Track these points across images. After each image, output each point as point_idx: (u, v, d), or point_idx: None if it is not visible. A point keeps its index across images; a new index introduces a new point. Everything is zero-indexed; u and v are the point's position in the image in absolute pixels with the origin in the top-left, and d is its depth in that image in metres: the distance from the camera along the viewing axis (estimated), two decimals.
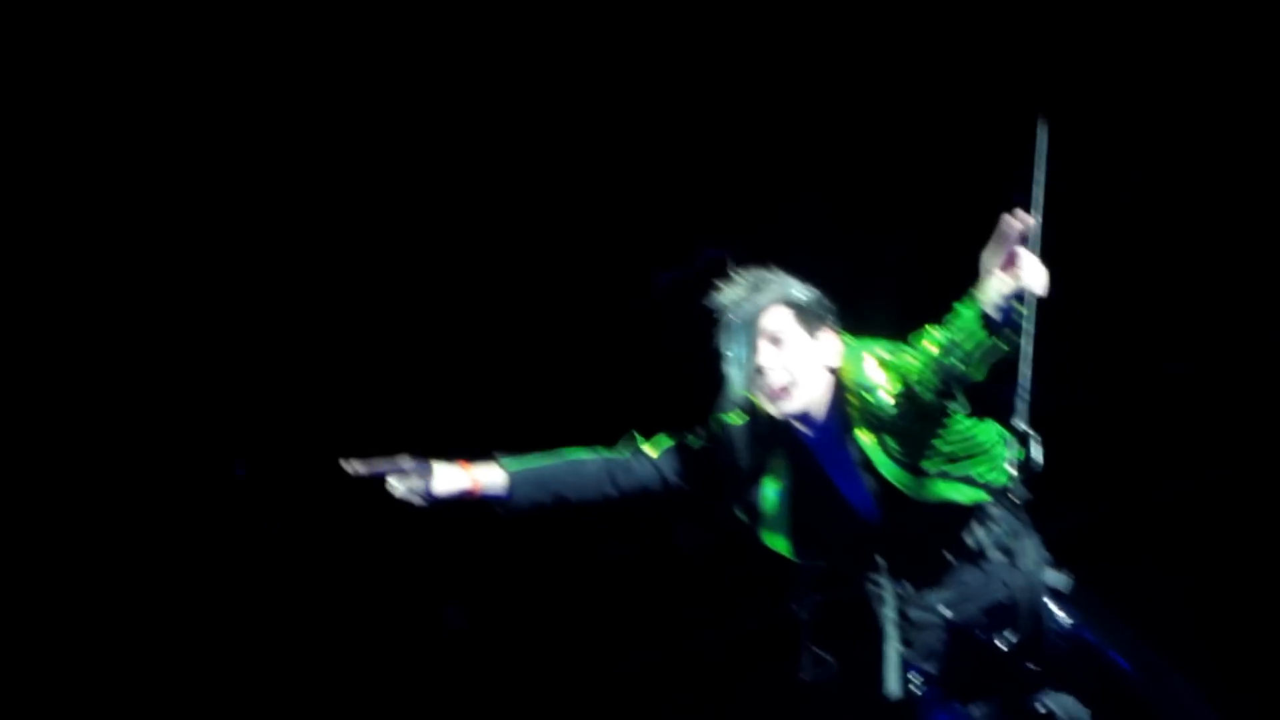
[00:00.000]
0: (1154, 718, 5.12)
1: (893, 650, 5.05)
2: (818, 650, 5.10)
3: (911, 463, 4.92)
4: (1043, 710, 5.11)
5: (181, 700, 7.78)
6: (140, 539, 7.73)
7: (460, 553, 7.86)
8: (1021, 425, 5.02)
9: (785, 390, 4.94)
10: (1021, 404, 5.05)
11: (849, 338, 5.08)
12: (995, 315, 4.65)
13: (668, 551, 7.66)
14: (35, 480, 7.61)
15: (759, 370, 4.95)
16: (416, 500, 4.96)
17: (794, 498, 5.05)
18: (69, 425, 7.57)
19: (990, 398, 4.94)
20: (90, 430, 7.60)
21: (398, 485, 4.96)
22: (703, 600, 7.74)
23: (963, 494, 5.00)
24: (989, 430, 5.06)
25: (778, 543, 5.08)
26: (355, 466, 4.91)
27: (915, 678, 5.13)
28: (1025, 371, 5.05)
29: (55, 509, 7.64)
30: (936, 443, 4.95)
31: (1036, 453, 5.00)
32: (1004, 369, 4.97)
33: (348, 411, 7.53)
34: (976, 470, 5.01)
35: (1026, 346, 5.01)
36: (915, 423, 4.92)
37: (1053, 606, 5.07)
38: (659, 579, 7.80)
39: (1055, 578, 5.09)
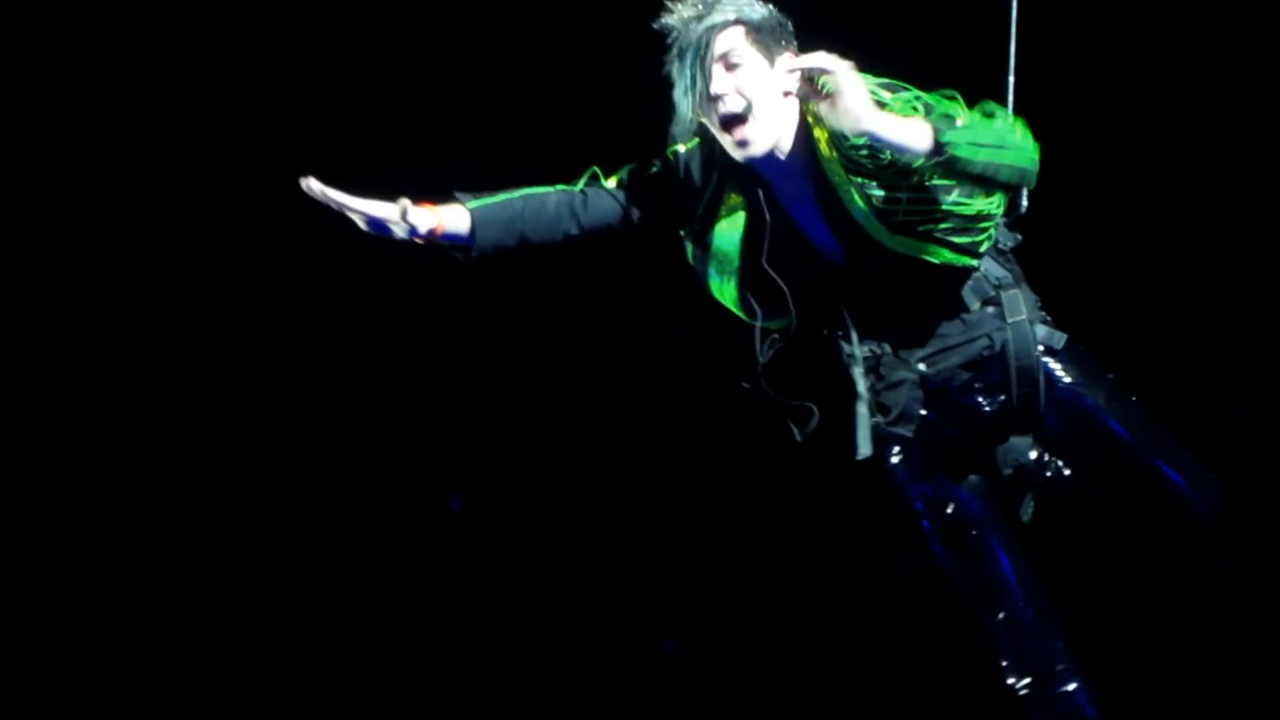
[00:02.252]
0: (1155, 491, 4.68)
1: (863, 406, 4.59)
2: (794, 404, 4.59)
3: (891, 214, 4.43)
4: (1034, 480, 4.74)
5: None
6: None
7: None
8: None
9: (740, 119, 4.45)
10: None
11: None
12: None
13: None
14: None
15: (710, 98, 4.45)
16: (391, 231, 4.47)
17: (750, 237, 4.55)
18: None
19: None
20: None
21: (360, 216, 4.45)
22: None
23: (944, 256, 4.51)
24: (993, 203, 4.52)
25: (726, 293, 4.62)
26: (315, 187, 4.41)
27: (893, 447, 4.72)
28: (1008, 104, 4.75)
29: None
30: (924, 204, 4.45)
31: (1022, 198, 4.66)
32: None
33: None
34: (968, 238, 4.51)
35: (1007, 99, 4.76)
36: (902, 178, 4.44)
37: (1047, 363, 4.64)
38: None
39: (1048, 334, 4.66)
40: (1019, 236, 4.74)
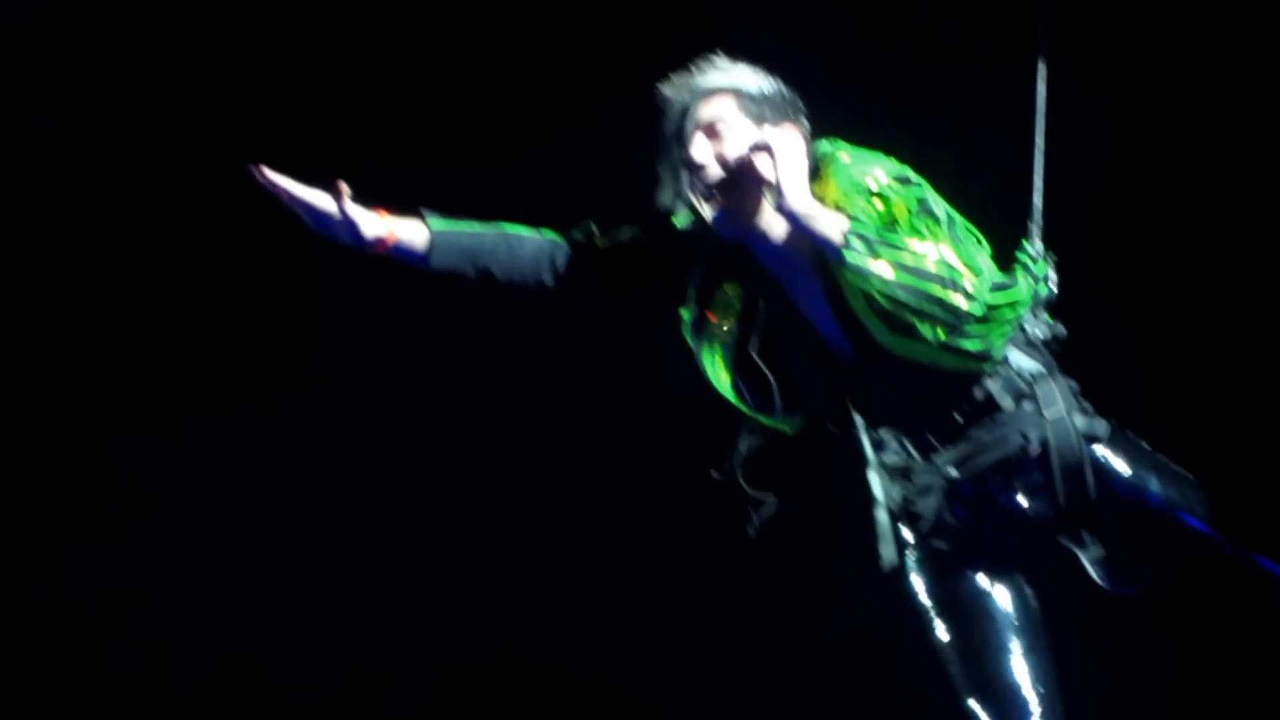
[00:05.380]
0: (1244, 580, 4.29)
1: (881, 513, 4.23)
2: (758, 496, 4.32)
3: (888, 313, 4.07)
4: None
5: None
6: None
7: None
8: (1033, 249, 4.37)
9: (719, 190, 4.16)
10: (1034, 228, 4.44)
11: (845, 146, 4.24)
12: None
13: None
14: None
15: (690, 166, 4.17)
16: (336, 231, 4.23)
17: (745, 324, 4.24)
18: None
19: None
20: None
21: (305, 209, 4.23)
22: None
23: (950, 361, 4.14)
24: (1015, 293, 4.17)
25: (722, 381, 4.28)
26: (267, 176, 4.20)
27: (918, 551, 4.33)
28: (1036, 194, 4.49)
29: None
30: (930, 324, 4.08)
31: (1051, 278, 4.34)
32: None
33: None
34: (978, 343, 4.14)
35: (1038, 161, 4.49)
36: None
37: (1094, 454, 4.24)
38: None
39: (1089, 424, 4.25)
40: (1055, 324, 4.39)
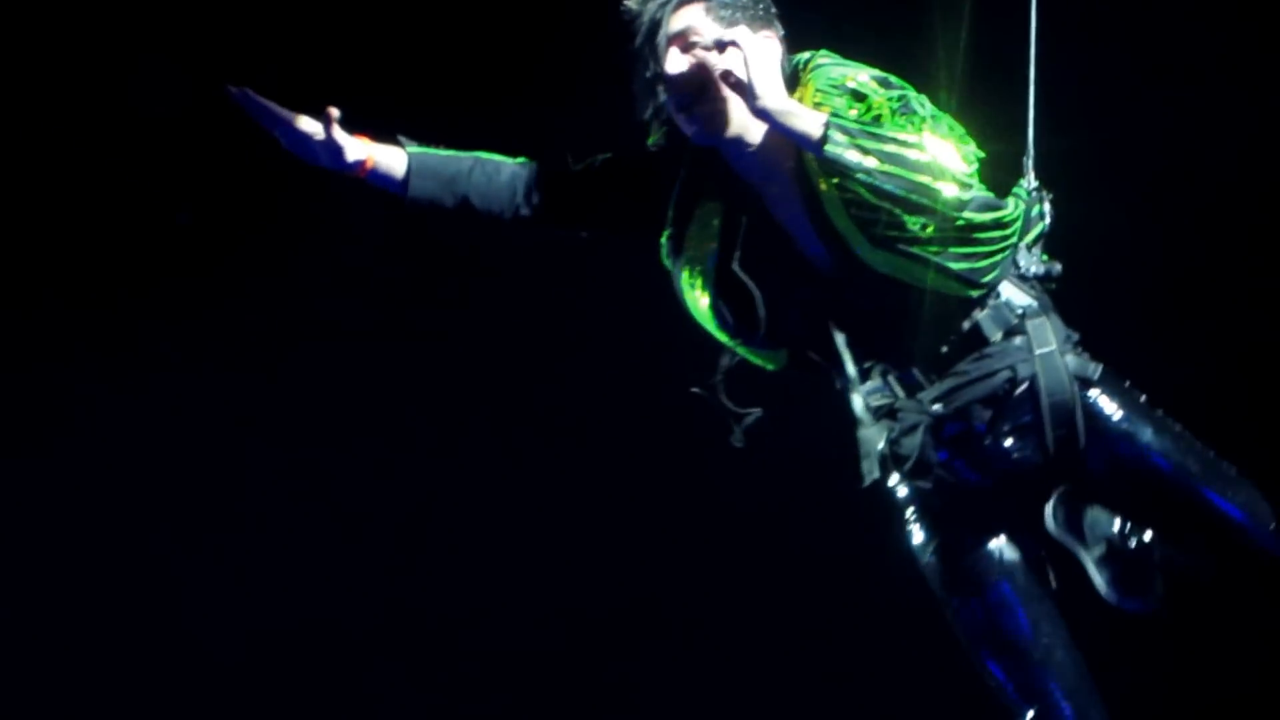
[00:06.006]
0: (1225, 536, 4.12)
1: (862, 431, 4.14)
2: (742, 411, 4.22)
3: (870, 223, 3.97)
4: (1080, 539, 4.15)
5: None
6: None
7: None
8: (1028, 183, 4.23)
9: (695, 100, 4.07)
10: (1028, 163, 4.28)
11: (824, 53, 4.17)
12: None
13: None
14: None
15: (665, 80, 4.10)
16: (315, 153, 4.20)
17: (726, 242, 4.14)
18: None
19: None
20: None
21: (284, 130, 4.20)
22: None
23: (933, 280, 4.02)
24: (1004, 214, 4.04)
25: (701, 306, 4.17)
26: (251, 98, 4.18)
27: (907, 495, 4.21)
28: (1029, 123, 4.33)
29: None
30: (922, 218, 3.99)
31: (1046, 214, 4.20)
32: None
33: None
34: (965, 264, 4.02)
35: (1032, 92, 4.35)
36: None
37: (1086, 397, 4.10)
38: None
39: (1080, 364, 4.12)
40: (1050, 262, 4.24)
